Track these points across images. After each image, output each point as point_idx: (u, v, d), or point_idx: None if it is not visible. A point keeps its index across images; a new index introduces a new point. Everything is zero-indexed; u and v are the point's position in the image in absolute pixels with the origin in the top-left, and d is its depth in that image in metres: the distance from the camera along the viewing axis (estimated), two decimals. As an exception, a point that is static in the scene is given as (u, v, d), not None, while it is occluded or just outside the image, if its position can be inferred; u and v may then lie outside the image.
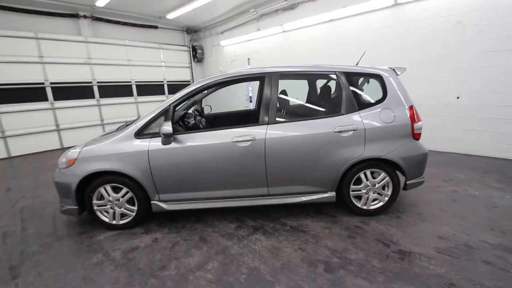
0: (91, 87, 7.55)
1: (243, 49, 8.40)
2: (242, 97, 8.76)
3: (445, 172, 3.93)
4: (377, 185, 2.65)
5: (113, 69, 7.90)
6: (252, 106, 8.54)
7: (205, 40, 9.72)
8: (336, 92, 2.91)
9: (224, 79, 2.63)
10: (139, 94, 8.61)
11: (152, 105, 2.73)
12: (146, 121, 2.52)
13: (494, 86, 4.35)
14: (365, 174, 2.62)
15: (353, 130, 2.49)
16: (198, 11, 7.46)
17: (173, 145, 2.48)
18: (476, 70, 4.49)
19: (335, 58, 6.08)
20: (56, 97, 6.98)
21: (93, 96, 7.61)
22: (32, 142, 6.70)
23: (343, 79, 2.60)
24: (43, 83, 6.74)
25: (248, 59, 8.30)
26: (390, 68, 2.73)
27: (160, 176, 2.53)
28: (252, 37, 7.87)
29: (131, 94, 8.44)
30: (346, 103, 2.56)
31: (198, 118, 3.36)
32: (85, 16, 7.25)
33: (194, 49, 9.73)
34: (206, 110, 4.13)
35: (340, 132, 2.49)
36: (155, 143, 2.49)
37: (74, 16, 7.15)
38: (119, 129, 2.76)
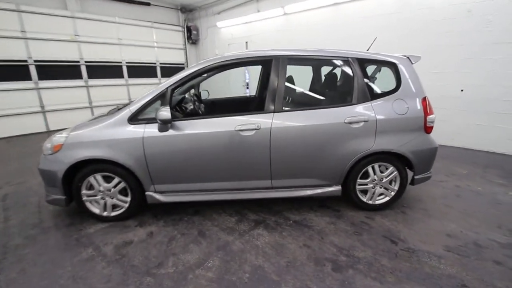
0: (79, 66, 7.11)
1: (241, 31, 8.03)
2: (237, 83, 8.46)
3: (447, 166, 3.87)
4: (384, 180, 2.54)
5: (102, 47, 7.44)
6: (248, 92, 8.28)
7: (200, 20, 9.25)
8: (343, 80, 2.73)
9: (227, 61, 2.40)
10: (130, 76, 8.19)
11: (144, 88, 2.51)
12: (141, 105, 2.30)
13: (499, 80, 4.25)
14: (373, 167, 2.50)
15: (364, 121, 2.34)
16: (194, -12, 7.01)
17: (170, 132, 2.28)
18: (481, 62, 4.37)
19: (338, 44, 5.84)
20: (41, 77, 6.53)
21: (80, 77, 7.18)
22: (16, 123, 6.32)
23: (355, 65, 2.42)
24: (26, 61, 6.27)
25: (246, 42, 7.95)
26: (405, 56, 2.55)
27: (155, 166, 2.34)
28: (251, 19, 7.50)
29: (121, 76, 8.02)
30: (357, 92, 2.39)
31: (197, 103, 3.14)
32: (71, -11, 6.71)
33: (188, 29, 9.26)
34: (204, 95, 3.90)
35: (350, 123, 2.33)
36: (151, 130, 2.28)
37: (59, -12, 6.60)
38: (110, 113, 2.53)
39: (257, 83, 3.91)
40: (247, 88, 8.30)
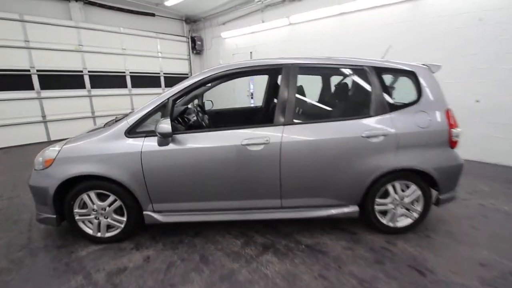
0: (82, 76, 7.04)
1: (246, 42, 7.96)
2: (242, 92, 8.33)
3: (467, 182, 3.61)
4: (406, 200, 2.30)
5: (106, 57, 7.39)
6: (253, 102, 8.13)
7: (205, 31, 9.24)
8: (357, 90, 2.53)
9: (233, 70, 2.23)
10: (134, 85, 8.11)
11: (148, 98, 2.32)
12: (140, 116, 2.11)
13: (515, 90, 4.04)
14: (393, 186, 2.27)
15: (384, 135, 2.13)
16: (199, -2, 6.99)
17: (171, 146, 2.08)
18: (495, 72, 4.17)
19: (345, 54, 5.69)
20: (43, 86, 6.46)
21: (83, 86, 7.10)
22: (15, 134, 6.20)
23: (372, 74, 2.22)
24: (28, 70, 6.22)
25: (251, 52, 7.86)
26: (424, 64, 2.36)
27: (154, 183, 2.13)
28: (255, 29, 7.43)
29: (125, 86, 7.94)
30: (375, 103, 2.19)
31: (200, 114, 2.96)
32: (76, -1, 6.71)
33: (193, 40, 9.23)
34: (207, 106, 3.73)
35: (368, 137, 2.12)
36: (150, 144, 2.09)
37: (64, -2, 6.60)
38: (107, 125, 2.35)
39: (264, 93, 3.74)
40: (252, 97, 8.17)
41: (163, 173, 2.11)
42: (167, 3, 7.45)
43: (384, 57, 2.70)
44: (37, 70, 6.31)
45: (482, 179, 3.74)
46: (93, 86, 7.25)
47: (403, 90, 2.41)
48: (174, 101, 2.15)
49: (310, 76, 3.01)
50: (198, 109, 3.08)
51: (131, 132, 2.11)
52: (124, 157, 2.07)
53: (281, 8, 6.76)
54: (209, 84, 2.85)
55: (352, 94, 2.66)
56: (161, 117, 2.07)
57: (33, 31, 6.14)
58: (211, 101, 3.83)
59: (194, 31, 9.45)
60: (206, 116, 3.04)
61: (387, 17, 5.09)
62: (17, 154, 5.60)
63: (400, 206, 2.33)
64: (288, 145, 2.09)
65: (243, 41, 8.03)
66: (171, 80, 8.92)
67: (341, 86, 2.80)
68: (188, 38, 9.32)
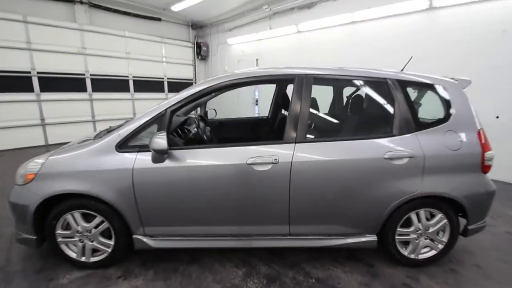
0: (84, 79, 6.89)
1: (252, 48, 7.79)
2: (247, 99, 8.12)
3: (490, 205, 3.32)
4: (431, 229, 2.03)
5: (109, 61, 7.24)
6: (257, 110, 7.92)
7: (211, 37, 9.11)
8: (375, 105, 2.27)
9: (240, 80, 2.00)
10: (136, 90, 7.95)
11: (150, 103, 2.10)
12: (133, 129, 1.88)
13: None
14: (417, 214, 2.00)
15: (409, 157, 1.87)
16: (206, 4, 6.86)
17: (167, 163, 1.84)
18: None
19: (355, 64, 5.48)
20: (43, 88, 6.30)
21: (85, 90, 6.94)
22: (12, 136, 6.01)
23: (396, 88, 1.98)
24: (29, 72, 6.07)
25: (257, 59, 7.69)
26: (453, 78, 2.12)
27: (147, 204, 1.89)
28: (262, 36, 7.27)
29: (127, 90, 7.78)
30: (400, 121, 1.94)
31: (202, 126, 2.72)
32: (81, 2, 6.60)
33: (198, 45, 9.10)
34: (210, 115, 3.50)
35: (391, 158, 1.86)
36: (143, 160, 1.85)
37: (69, 0, 6.49)
38: (98, 137, 2.12)
39: (271, 104, 3.51)
40: (256, 105, 7.95)
41: (157, 194, 1.87)
42: (174, 8, 7.33)
43: (404, 69, 2.47)
44: (38, 72, 6.17)
45: (506, 202, 3.45)
46: (95, 89, 7.09)
47: (427, 107, 2.17)
48: (173, 112, 1.91)
49: (320, 86, 2.79)
50: (200, 120, 2.85)
51: (123, 146, 1.87)
52: (114, 174, 1.83)
53: (290, 15, 6.59)
54: (213, 94, 2.63)
55: (372, 109, 2.39)
56: (157, 130, 1.84)
57: (36, 32, 6.02)
58: (215, 110, 3.60)
59: (200, 37, 9.33)
60: (208, 128, 2.81)
61: (401, 27, 4.88)
62: (12, 158, 5.40)
63: (423, 237, 2.06)
64: (299, 165, 1.84)
65: (249, 48, 7.87)
66: (175, 85, 8.76)
67: (358, 100, 2.54)
68: (194, 44, 9.19)
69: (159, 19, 8.15)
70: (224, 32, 8.48)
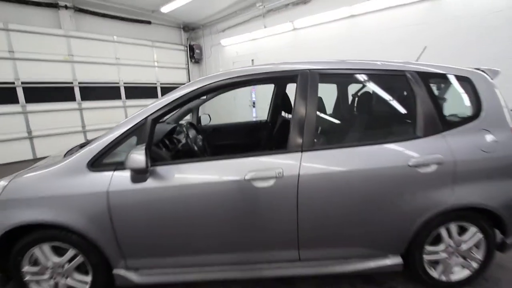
0: (72, 88, 6.56)
1: (247, 49, 7.51)
2: (243, 102, 7.82)
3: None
4: (463, 246, 1.73)
5: (98, 68, 6.92)
6: (255, 113, 7.63)
7: (204, 39, 8.82)
8: (394, 102, 1.96)
9: (233, 79, 1.69)
10: (128, 97, 7.62)
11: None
12: (107, 143, 1.57)
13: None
14: (447, 229, 1.70)
15: (437, 163, 1.57)
16: (197, 4, 6.57)
17: (149, 183, 1.54)
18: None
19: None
20: (29, 99, 5.96)
21: (73, 99, 6.61)
22: (-2, 151, 5.68)
23: (417, 82, 1.69)
24: (13, 83, 5.74)
25: (252, 60, 7.40)
26: (479, 69, 1.83)
27: (127, 232, 1.58)
28: (257, 35, 6.99)
29: (118, 97, 7.45)
30: (424, 120, 1.64)
31: (192, 134, 2.42)
32: (66, 7, 6.29)
33: (191, 48, 8.81)
34: (204, 121, 3.19)
35: (417, 166, 1.56)
36: (121, 179, 1.54)
37: (53, 6, 6.18)
38: (69, 153, 1.81)
39: (269, 106, 3.21)
40: (254, 107, 7.65)
41: (139, 219, 1.56)
42: (163, 10, 7.04)
43: (418, 60, 2.18)
44: (22, 82, 5.84)
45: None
46: (84, 98, 6.76)
47: (451, 102, 1.87)
48: (155, 120, 1.61)
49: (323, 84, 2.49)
50: (190, 127, 2.53)
51: (96, 163, 1.57)
52: (85, 198, 1.53)
53: (284, 12, 6.32)
54: (204, 97, 2.34)
55: (388, 108, 2.08)
56: (136, 144, 1.54)
57: (19, 40, 5.70)
58: (209, 115, 3.30)
59: (192, 39, 9.04)
60: (199, 137, 2.49)
61: (404, 18, 4.60)
62: (-4, 175, 5.06)
63: (455, 255, 1.76)
64: (308, 178, 1.54)
65: (244, 48, 7.58)
66: (169, 91, 8.23)
67: (370, 97, 2.24)
68: (186, 47, 8.90)
69: (148, 22, 7.85)
70: (217, 33, 8.20)
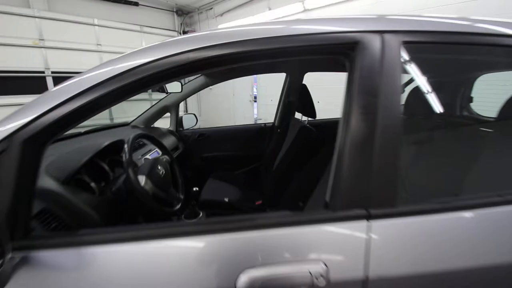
0: (44, 78, 5.66)
1: (248, 35, 6.55)
2: (243, 97, 6.88)
3: None
4: None
5: (75, 55, 5.99)
6: (256, 110, 6.69)
7: (200, 24, 7.85)
8: None
9: (215, 53, 0.77)
10: (113, 89, 6.71)
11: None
12: None
13: None
14: None
15: None
16: (190, -19, 5.60)
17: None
18: None
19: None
20: (-10, 90, 5.09)
21: (45, 90, 5.70)
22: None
23: None
24: (-31, 72, 4.85)
25: (254, 48, 6.44)
26: None
27: None
28: (260, 19, 6.03)
29: (101, 89, 6.54)
30: None
31: (159, 153, 1.48)
32: (35, -18, 5.35)
33: (185, 34, 7.84)
34: (187, 124, 2.28)
35: None
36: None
37: (20, -20, 5.24)
38: None
39: (278, 104, 2.30)
40: (255, 101, 6.71)
41: None
42: (152, -11, 6.09)
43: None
44: (-19, 71, 4.94)
45: None
46: (59, 90, 5.85)
47: None
48: (34, 143, 0.71)
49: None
50: (142, 142, 1.48)
51: None
52: None
53: (293, -10, 5.36)
54: (179, 89, 1.43)
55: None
56: None
57: (-24, 20, 4.78)
58: (194, 114, 2.39)
59: (187, 25, 8.07)
60: (165, 159, 1.42)
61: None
62: None
63: None
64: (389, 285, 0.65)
65: (245, 34, 6.62)
66: None
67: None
68: (180, 33, 7.94)
69: (136, 4, 6.86)
70: (215, 17, 7.22)
